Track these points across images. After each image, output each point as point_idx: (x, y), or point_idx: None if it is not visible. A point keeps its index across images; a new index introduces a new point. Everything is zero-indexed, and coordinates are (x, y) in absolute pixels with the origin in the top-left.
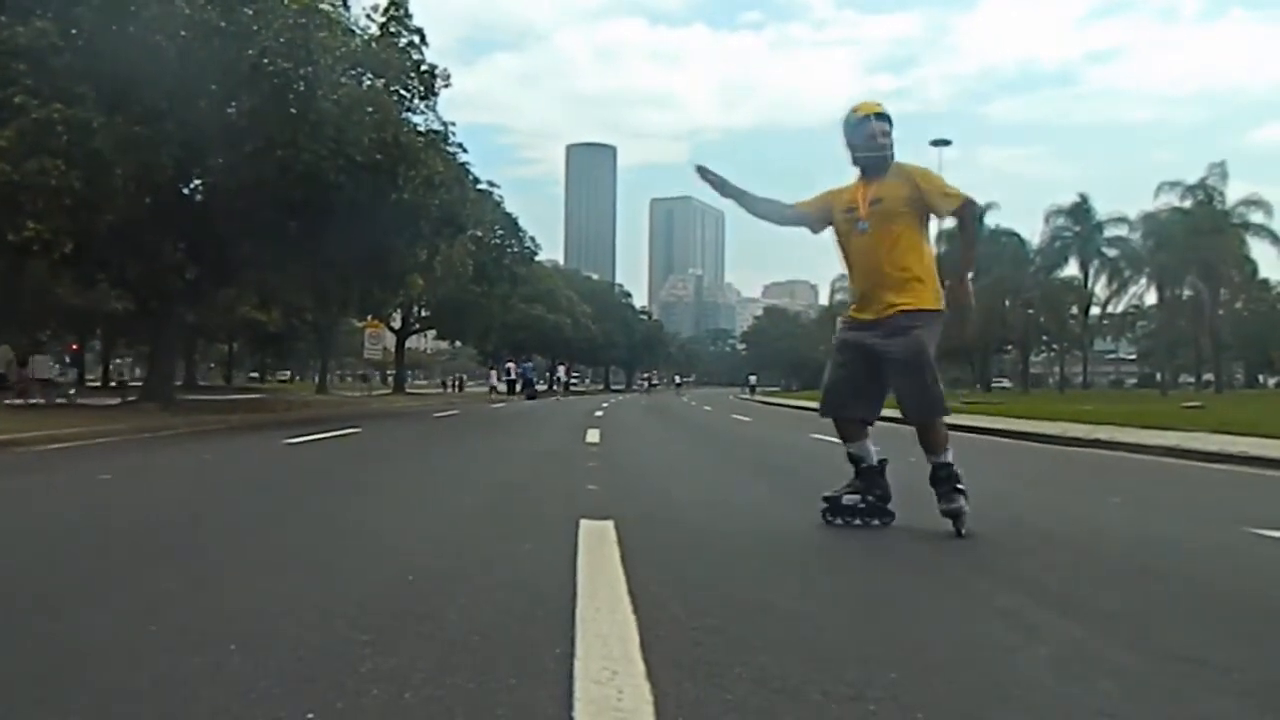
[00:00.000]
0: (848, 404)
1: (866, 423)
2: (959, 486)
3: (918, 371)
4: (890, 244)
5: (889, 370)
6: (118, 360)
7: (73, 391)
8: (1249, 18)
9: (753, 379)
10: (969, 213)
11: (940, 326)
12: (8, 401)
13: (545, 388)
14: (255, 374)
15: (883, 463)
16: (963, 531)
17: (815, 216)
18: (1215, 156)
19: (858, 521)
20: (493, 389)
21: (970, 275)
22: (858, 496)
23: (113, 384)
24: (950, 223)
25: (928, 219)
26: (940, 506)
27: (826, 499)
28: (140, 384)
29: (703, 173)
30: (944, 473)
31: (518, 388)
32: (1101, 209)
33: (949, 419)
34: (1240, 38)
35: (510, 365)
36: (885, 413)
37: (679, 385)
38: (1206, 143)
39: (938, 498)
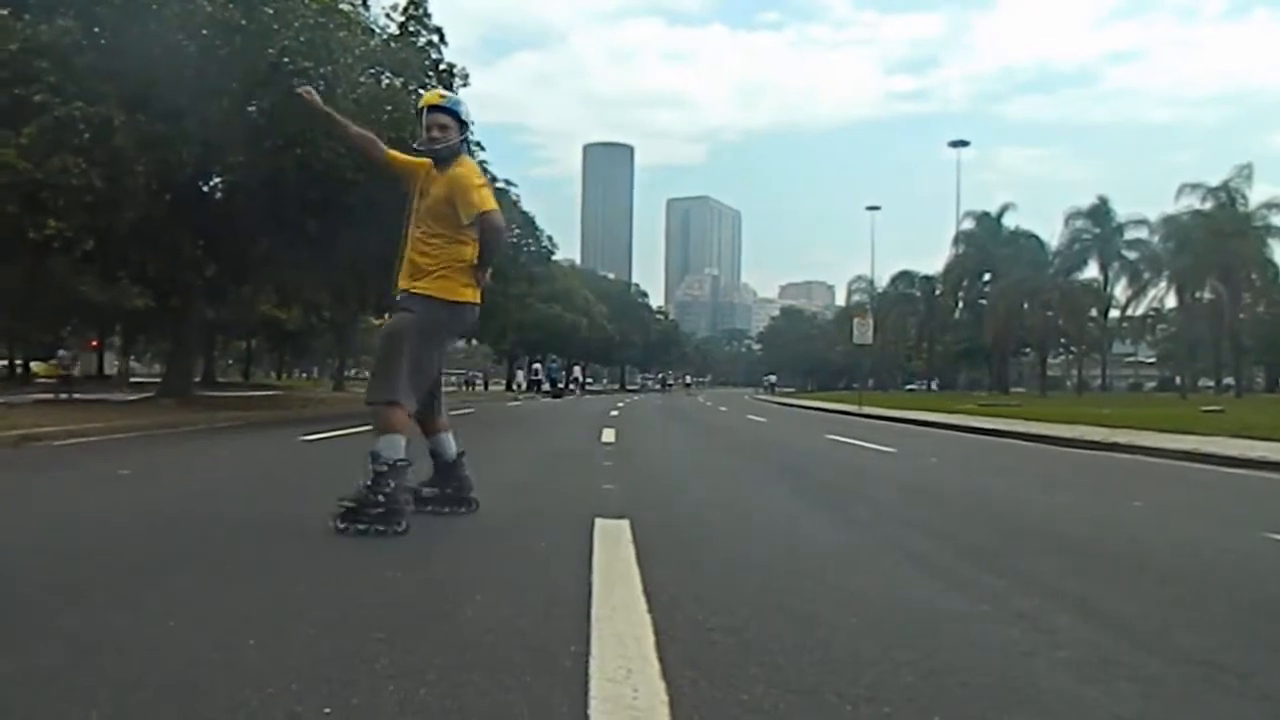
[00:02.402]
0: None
1: (433, 410)
2: (368, 483)
3: (381, 347)
4: (426, 237)
5: None
6: (63, 352)
7: None
8: (1272, 17)
9: (772, 378)
10: (482, 223)
11: (443, 319)
12: None
13: (562, 386)
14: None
15: (461, 455)
16: (340, 526)
17: (397, 173)
18: (1236, 158)
19: (446, 510)
20: (518, 387)
21: (487, 271)
22: (436, 489)
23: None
24: (968, 224)
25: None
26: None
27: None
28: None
29: (306, 95)
30: (370, 461)
31: (543, 387)
32: (1120, 210)
33: (969, 420)
34: (1263, 37)
35: (537, 365)
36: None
37: (689, 385)
38: (1227, 144)
39: None
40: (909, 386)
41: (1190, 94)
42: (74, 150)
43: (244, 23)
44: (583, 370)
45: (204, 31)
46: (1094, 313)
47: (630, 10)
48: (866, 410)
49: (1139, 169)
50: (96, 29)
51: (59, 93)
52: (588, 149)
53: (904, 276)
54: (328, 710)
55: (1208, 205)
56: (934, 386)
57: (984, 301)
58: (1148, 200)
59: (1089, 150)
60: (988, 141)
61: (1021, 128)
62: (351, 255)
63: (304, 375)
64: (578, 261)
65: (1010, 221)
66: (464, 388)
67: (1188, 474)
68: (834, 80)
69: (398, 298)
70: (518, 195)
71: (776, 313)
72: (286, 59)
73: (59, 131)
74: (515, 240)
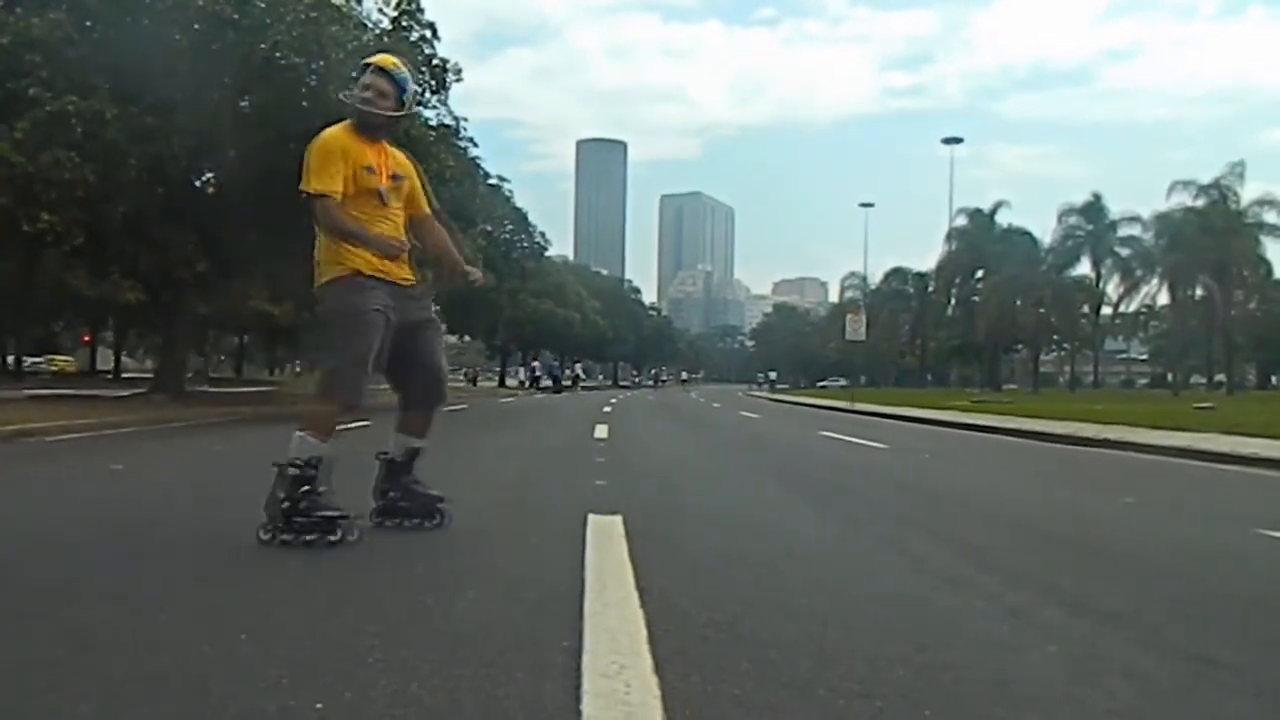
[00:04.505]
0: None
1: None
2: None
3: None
4: (403, 223)
5: (432, 340)
6: None
7: None
8: (1267, 15)
9: (772, 375)
10: (441, 219)
11: None
12: None
13: (560, 382)
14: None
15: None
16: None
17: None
18: (1231, 155)
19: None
20: (521, 383)
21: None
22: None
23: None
24: (961, 220)
25: None
26: (430, 491)
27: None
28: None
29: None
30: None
31: (542, 383)
32: (1116, 208)
33: (962, 417)
34: (1258, 35)
35: (535, 364)
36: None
37: (685, 381)
38: (1222, 142)
39: (415, 484)
40: (821, 383)
41: (1187, 92)
42: (66, 144)
43: (236, 17)
44: (582, 368)
45: (196, 25)
46: (1086, 309)
47: (626, 5)
48: (859, 406)
49: (1135, 167)
50: (88, 22)
51: (50, 86)
52: (581, 144)
53: (897, 273)
54: (319, 705)
55: (1200, 202)
56: (845, 382)
57: (976, 298)
58: (1144, 198)
59: (1085, 148)
60: (984, 138)
61: (1018, 125)
62: None
63: (298, 371)
64: (571, 257)
65: (1005, 218)
66: (465, 382)
67: (1179, 470)
68: (829, 77)
69: (412, 285)
70: (511, 191)
71: (769, 309)
72: (278, 54)
73: (52, 125)
74: (508, 236)
